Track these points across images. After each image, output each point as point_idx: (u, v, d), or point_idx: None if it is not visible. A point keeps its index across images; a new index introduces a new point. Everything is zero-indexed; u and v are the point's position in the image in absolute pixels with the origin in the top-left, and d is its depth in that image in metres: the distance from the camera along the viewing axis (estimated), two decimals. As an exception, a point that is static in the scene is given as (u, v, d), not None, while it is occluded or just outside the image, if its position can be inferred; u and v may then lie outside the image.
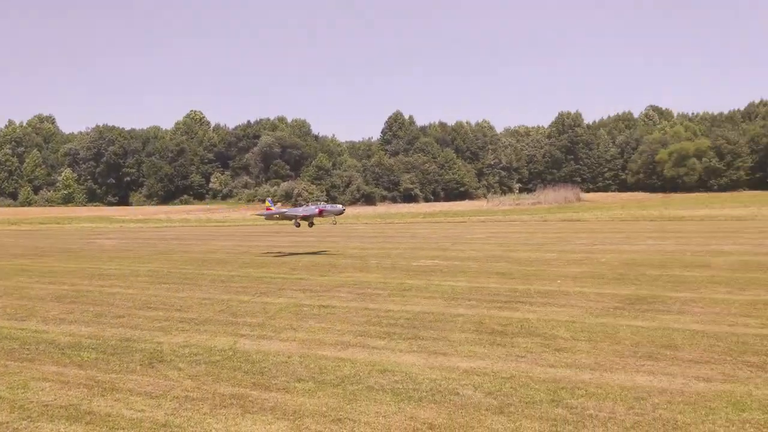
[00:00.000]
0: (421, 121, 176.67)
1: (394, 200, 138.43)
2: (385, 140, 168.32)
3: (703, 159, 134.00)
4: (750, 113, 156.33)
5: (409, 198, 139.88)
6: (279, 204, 45.54)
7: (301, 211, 36.81)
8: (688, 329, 14.93)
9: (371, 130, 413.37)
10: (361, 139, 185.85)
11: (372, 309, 18.67)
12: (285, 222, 40.46)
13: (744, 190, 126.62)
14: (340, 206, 37.53)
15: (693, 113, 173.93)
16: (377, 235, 50.88)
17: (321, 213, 35.94)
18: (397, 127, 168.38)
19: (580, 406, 10.15)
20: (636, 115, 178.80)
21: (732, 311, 16.70)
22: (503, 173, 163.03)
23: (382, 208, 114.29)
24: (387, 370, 12.38)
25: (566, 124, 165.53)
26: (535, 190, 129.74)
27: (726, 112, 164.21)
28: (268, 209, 38.09)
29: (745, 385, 10.87)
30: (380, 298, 20.56)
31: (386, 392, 11.15)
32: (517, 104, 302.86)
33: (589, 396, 10.61)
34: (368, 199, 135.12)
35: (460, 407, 10.33)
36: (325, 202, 49.93)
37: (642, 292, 19.89)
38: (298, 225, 36.62)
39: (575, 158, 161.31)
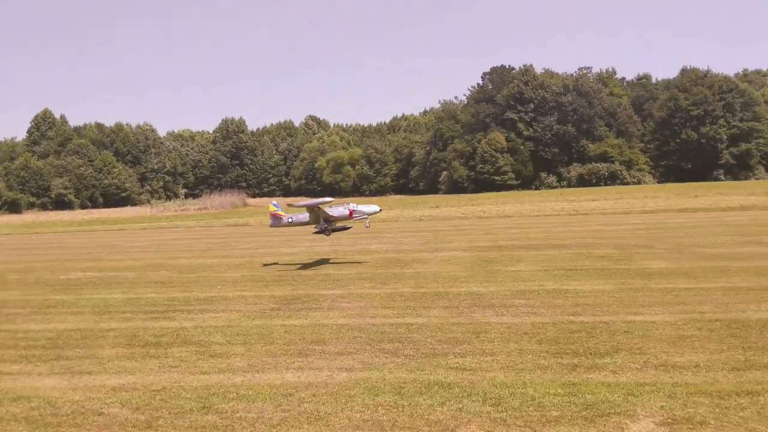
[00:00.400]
0: (75, 121, 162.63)
1: (44, 207, 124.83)
2: (32, 140, 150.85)
3: (356, 166, 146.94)
4: (394, 126, 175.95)
5: (62, 205, 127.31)
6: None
7: (334, 211, 28.25)
8: (336, 324, 16.06)
9: (15, 130, 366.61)
10: (2, 139, 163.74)
11: (8, 331, 16.56)
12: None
13: (390, 194, 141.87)
14: (375, 206, 29.35)
15: (347, 124, 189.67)
16: (21, 246, 45.33)
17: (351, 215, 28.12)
18: (46, 126, 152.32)
19: (230, 410, 10.21)
20: (297, 123, 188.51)
21: (374, 304, 18.40)
22: (168, 178, 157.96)
23: (29, 216, 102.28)
24: (21, 398, 11.10)
25: (231, 130, 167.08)
26: (201, 196, 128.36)
27: (375, 124, 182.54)
28: (276, 214, 29.66)
29: (380, 371, 12.00)
30: (19, 317, 18.32)
31: (19, 421, 10.01)
32: (181, 108, 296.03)
33: (240, 398, 10.73)
34: (13, 207, 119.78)
35: (103, 427, 9.65)
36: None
37: (298, 292, 20.87)
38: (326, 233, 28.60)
39: (240, 164, 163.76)
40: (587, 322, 15.04)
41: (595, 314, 15.81)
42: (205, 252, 35.33)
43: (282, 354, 13.41)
